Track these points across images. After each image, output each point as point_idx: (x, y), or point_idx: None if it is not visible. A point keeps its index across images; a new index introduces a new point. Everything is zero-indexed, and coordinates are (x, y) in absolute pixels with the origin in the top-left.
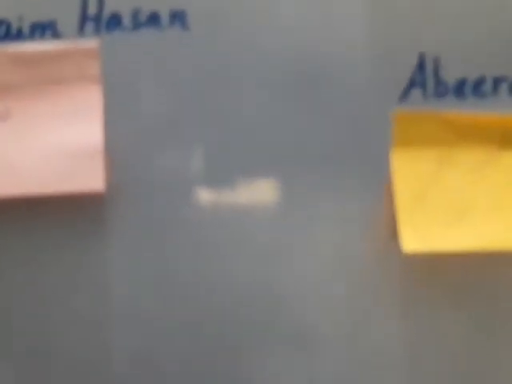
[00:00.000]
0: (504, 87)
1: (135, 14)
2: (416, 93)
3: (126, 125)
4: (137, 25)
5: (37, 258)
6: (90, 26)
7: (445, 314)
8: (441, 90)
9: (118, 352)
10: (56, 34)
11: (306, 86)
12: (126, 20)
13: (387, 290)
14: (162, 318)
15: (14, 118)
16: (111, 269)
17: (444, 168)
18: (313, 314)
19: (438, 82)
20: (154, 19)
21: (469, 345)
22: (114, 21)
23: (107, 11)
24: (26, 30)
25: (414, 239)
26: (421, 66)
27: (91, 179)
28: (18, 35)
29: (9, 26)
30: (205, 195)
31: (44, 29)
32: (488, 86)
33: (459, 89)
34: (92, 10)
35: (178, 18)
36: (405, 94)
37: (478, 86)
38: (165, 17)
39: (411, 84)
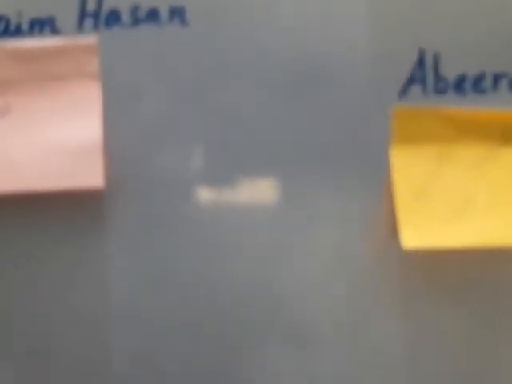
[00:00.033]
0: (504, 83)
1: (134, 10)
2: (416, 89)
3: (125, 121)
4: (136, 21)
5: (35, 254)
6: (88, 22)
7: (445, 313)
8: (441, 87)
9: (117, 352)
10: (55, 30)
11: (306, 86)
12: (125, 16)
13: (387, 290)
14: (161, 317)
15: (12, 113)
16: (110, 266)
17: (444, 164)
18: (313, 314)
19: (438, 78)
20: (153, 15)
21: (469, 345)
22: (113, 17)
23: (106, 7)
24: (24, 26)
25: (414, 236)
26: (421, 62)
27: (90, 175)
28: (17, 31)
29: (8, 22)
30: (204, 193)
31: (43, 25)
32: (488, 83)
33: (459, 85)
34: (91, 6)
35: (177, 14)
36: (404, 91)
37: (477, 82)
38: (164, 13)
39: (411, 80)
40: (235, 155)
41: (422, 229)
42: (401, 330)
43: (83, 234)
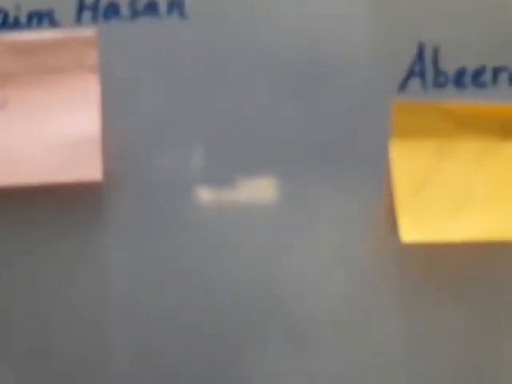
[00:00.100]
0: (504, 77)
1: (133, 3)
2: (415, 83)
3: (124, 115)
4: (134, 13)
5: (33, 248)
6: (87, 15)
7: (445, 313)
8: (440, 80)
9: (117, 352)
10: (53, 23)
11: (305, 86)
12: (124, 9)
13: (387, 290)
14: (161, 317)
15: (11, 106)
16: (109, 261)
17: (444, 158)
18: (313, 314)
19: (438, 72)
20: (151, 8)
21: (470, 346)
22: (112, 9)
23: (105, 0)
24: (23, 18)
25: (413, 229)
26: (420, 55)
27: (89, 168)
28: (16, 24)
29: (6, 15)
30: (204, 192)
31: (41, 17)
32: (488, 76)
33: (459, 79)
34: None
35: (176, 6)
36: (404, 85)
37: (477, 76)
38: (162, 5)
39: (410, 74)
40: (235, 155)
41: (422, 222)
42: (401, 329)
43: (82, 227)
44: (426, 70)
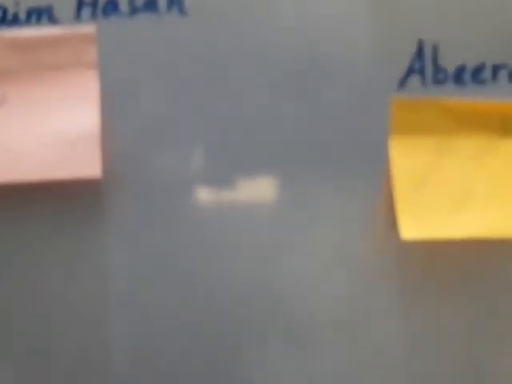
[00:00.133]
0: (503, 74)
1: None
2: (415, 80)
3: (122, 111)
4: (134, 10)
5: (32, 246)
6: (86, 12)
7: (445, 313)
8: (440, 77)
9: (117, 352)
10: (52, 20)
11: (306, 86)
12: (123, 5)
13: (387, 290)
14: (161, 317)
15: (10, 103)
16: (109, 262)
17: (443, 155)
18: (313, 314)
19: (437, 69)
20: (151, 4)
21: (470, 345)
22: (111, 6)
23: None
24: (22, 15)
25: (413, 226)
26: (420, 52)
27: (88, 165)
28: (15, 20)
29: (5, 12)
30: (204, 191)
31: (40, 14)
32: (487, 73)
33: (458, 76)
34: None
35: (176, 3)
36: (403, 82)
37: (477, 73)
38: (162, 2)
39: (410, 71)
40: (235, 155)
41: (421, 219)
42: (401, 329)
43: (82, 228)
44: (425, 67)
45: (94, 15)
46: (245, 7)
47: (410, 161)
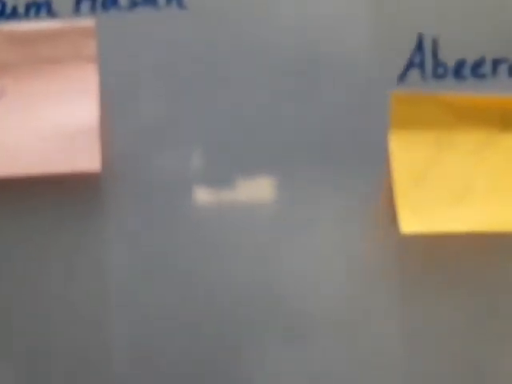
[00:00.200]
0: (503, 69)
1: None
2: (414, 74)
3: (121, 107)
4: (133, 3)
5: (31, 240)
6: (85, 5)
7: (445, 313)
8: (440, 72)
9: (118, 352)
10: (51, 13)
11: (306, 86)
12: None
13: (387, 290)
14: (161, 317)
15: (9, 96)
16: (110, 262)
17: (443, 150)
18: (313, 313)
19: (437, 63)
20: None
21: (470, 344)
22: (110, 0)
23: None
24: (21, 9)
25: (413, 220)
26: (419, 47)
27: (87, 158)
28: (13, 14)
29: (4, 5)
30: (204, 192)
31: (39, 8)
32: (487, 68)
33: (458, 70)
34: None
35: None
36: (403, 76)
37: (477, 67)
38: None
39: (410, 65)
40: (235, 155)
41: (421, 213)
42: (401, 329)
43: (81, 229)
44: (425, 62)
45: (93, 9)
46: (245, 7)
47: (410, 155)
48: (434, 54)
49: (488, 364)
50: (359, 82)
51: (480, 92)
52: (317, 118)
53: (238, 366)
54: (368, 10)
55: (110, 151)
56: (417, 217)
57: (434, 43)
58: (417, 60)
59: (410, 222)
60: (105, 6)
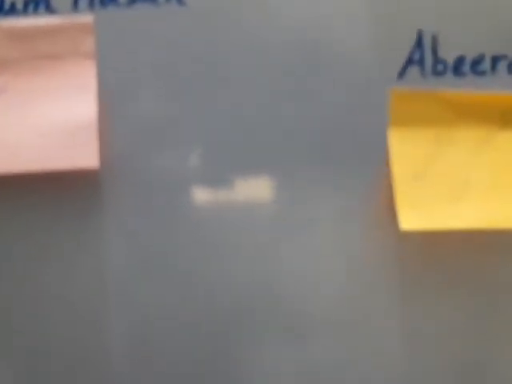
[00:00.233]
0: (503, 65)
1: None
2: (414, 71)
3: (120, 103)
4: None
5: (30, 238)
6: (84, 1)
7: (445, 313)
8: (439, 68)
9: (118, 352)
10: (50, 9)
11: (306, 86)
12: None
13: (387, 290)
14: (161, 317)
15: (8, 93)
16: (109, 262)
17: (442, 147)
18: (313, 313)
19: (437, 60)
20: None
21: (470, 344)
22: None
23: None
24: (19, 5)
25: (412, 217)
26: (419, 43)
27: (85, 155)
28: (12, 10)
29: (2, 1)
30: (204, 192)
31: (37, 4)
32: (487, 65)
33: (458, 67)
34: None
35: None
36: (403, 72)
37: (476, 64)
38: None
39: (409, 62)
40: (235, 155)
41: (421, 210)
42: (401, 329)
43: (81, 229)
44: (425, 58)
45: (91, 5)
46: (245, 6)
47: (409, 152)
48: (434, 51)
49: (488, 364)
50: (359, 82)
51: (479, 89)
52: (317, 118)
53: (238, 366)
54: (367, 7)
55: (110, 150)
56: (416, 214)
57: (434, 40)
58: (416, 57)
59: (410, 219)
60: (103, 3)
